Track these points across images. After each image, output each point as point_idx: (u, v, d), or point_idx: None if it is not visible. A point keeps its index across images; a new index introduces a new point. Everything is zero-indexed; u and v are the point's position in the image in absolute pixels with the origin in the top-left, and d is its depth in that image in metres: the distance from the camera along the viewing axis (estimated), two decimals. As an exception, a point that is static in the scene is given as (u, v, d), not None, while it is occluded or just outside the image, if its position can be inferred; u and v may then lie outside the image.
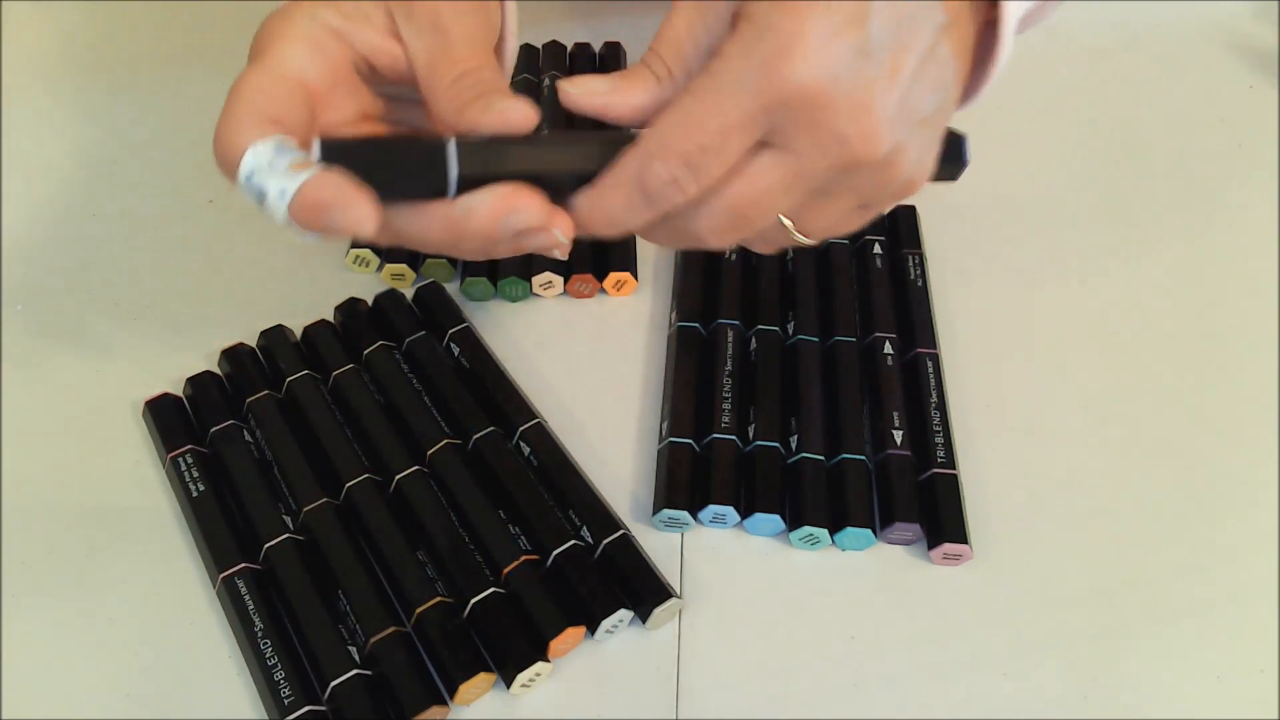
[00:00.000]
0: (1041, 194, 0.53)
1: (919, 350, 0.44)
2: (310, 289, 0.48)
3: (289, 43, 0.30)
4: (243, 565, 0.38)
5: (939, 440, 0.41)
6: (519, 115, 0.30)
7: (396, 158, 0.29)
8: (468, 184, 0.29)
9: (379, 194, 0.28)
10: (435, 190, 0.29)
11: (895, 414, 0.42)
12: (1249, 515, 0.41)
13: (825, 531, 0.39)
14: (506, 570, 0.37)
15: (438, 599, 0.37)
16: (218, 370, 0.45)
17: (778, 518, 0.39)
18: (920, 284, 0.47)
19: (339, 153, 0.28)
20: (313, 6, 0.31)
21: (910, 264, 0.47)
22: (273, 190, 0.27)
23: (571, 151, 0.31)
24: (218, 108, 0.58)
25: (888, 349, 0.44)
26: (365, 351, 0.44)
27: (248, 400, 0.43)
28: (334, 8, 0.31)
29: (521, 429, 0.42)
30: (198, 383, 0.44)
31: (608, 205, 0.30)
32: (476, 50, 0.32)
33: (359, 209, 0.27)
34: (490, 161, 0.30)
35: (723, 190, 0.30)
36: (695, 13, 0.31)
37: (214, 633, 0.38)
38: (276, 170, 0.27)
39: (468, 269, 0.48)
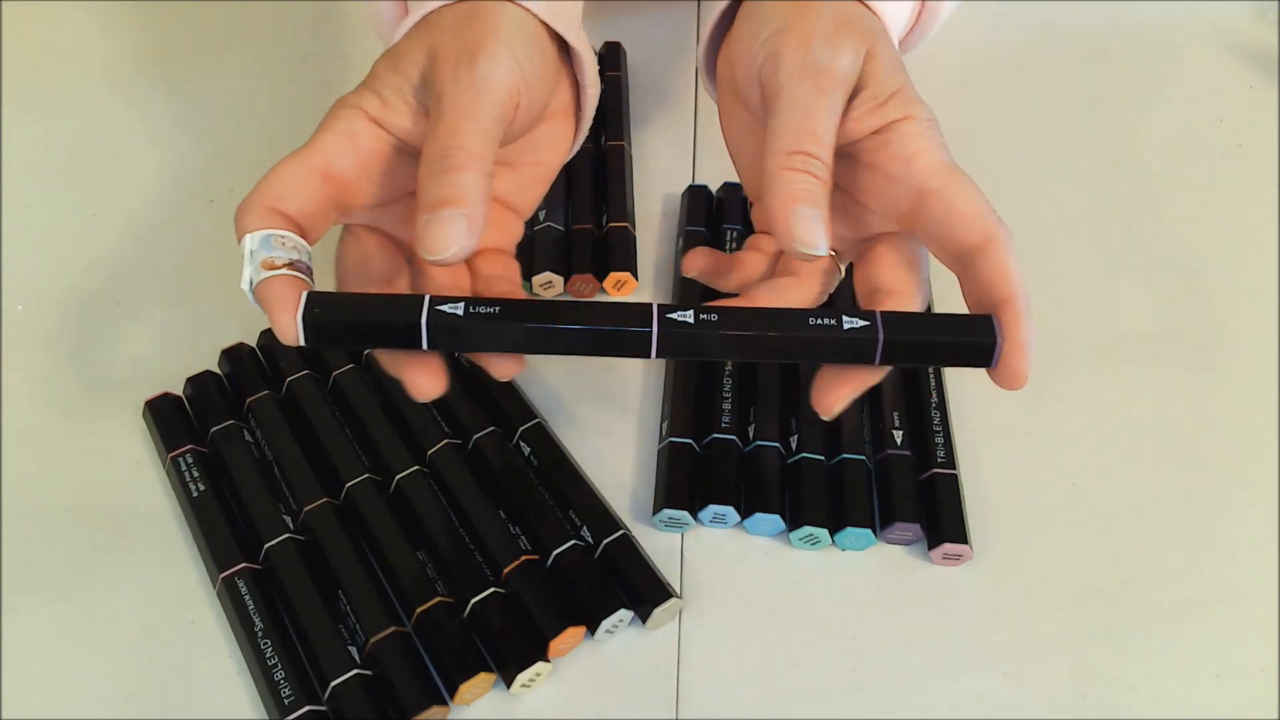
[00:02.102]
0: (1041, 194, 0.53)
1: (919, 350, 0.44)
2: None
3: (324, 135, 0.34)
4: (243, 565, 0.38)
5: (939, 440, 0.41)
6: (447, 239, 0.31)
7: (373, 319, 0.32)
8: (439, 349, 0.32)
9: (362, 344, 0.33)
10: (413, 347, 0.32)
11: (895, 414, 0.42)
12: (1249, 515, 0.41)
13: (825, 531, 0.39)
14: (506, 570, 0.37)
15: (438, 599, 0.37)
16: (218, 370, 0.45)
17: (778, 518, 0.39)
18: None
19: (322, 303, 0.32)
20: (360, 95, 0.35)
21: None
22: (245, 276, 0.32)
23: (547, 335, 0.32)
24: (218, 107, 0.59)
25: (888, 349, 0.44)
26: (365, 351, 0.44)
27: (248, 400, 0.43)
28: (376, 95, 0.35)
29: (521, 429, 0.42)
30: (198, 383, 0.44)
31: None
32: (466, 126, 0.33)
33: (280, 326, 0.32)
34: (462, 343, 0.32)
35: None
36: None
37: (214, 633, 0.38)
38: (254, 261, 0.32)
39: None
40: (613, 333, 0.32)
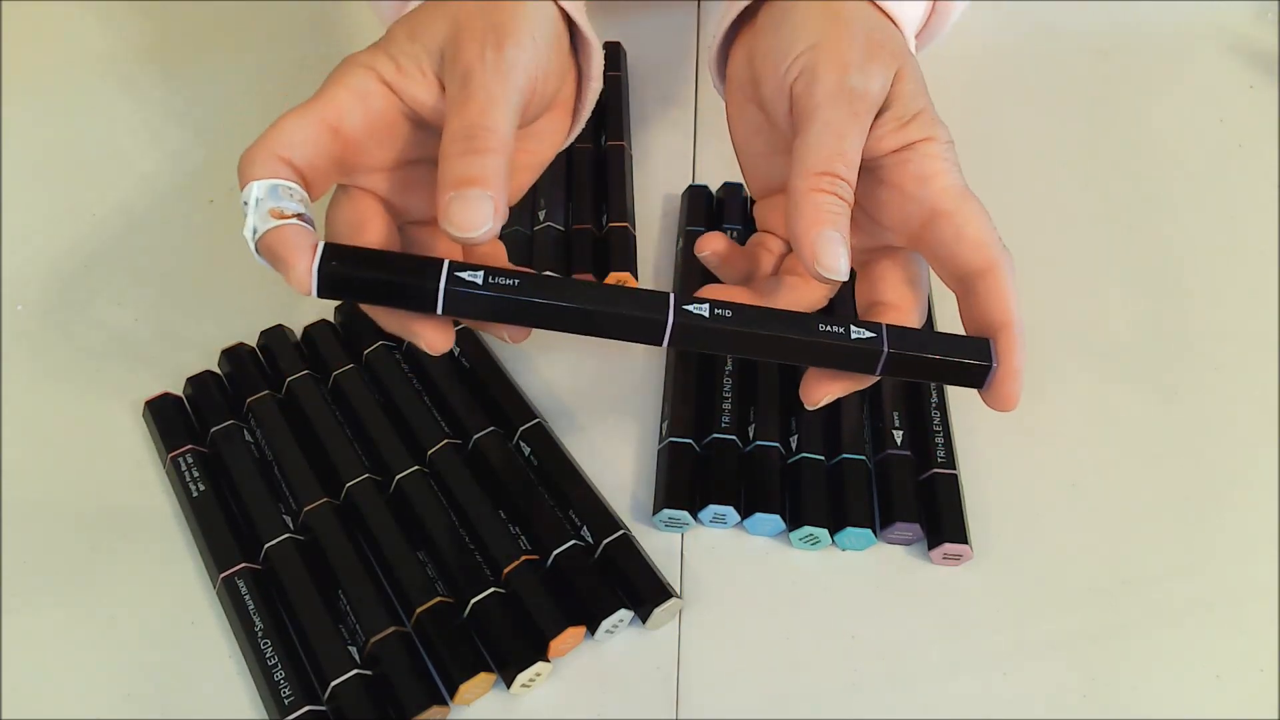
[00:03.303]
0: (1041, 194, 0.53)
1: (919, 350, 0.44)
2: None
3: (336, 90, 0.33)
4: (243, 565, 0.38)
5: (939, 440, 0.41)
6: (475, 219, 0.31)
7: (390, 278, 0.32)
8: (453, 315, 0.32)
9: (373, 300, 0.32)
10: (425, 310, 0.32)
11: (895, 414, 0.42)
12: (1249, 515, 0.41)
13: (825, 531, 0.39)
14: (506, 570, 0.37)
15: (438, 599, 0.37)
16: (218, 370, 0.45)
17: (778, 518, 0.39)
18: (920, 284, 0.47)
19: (339, 256, 0.31)
20: (374, 56, 0.34)
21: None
22: (249, 226, 0.31)
23: (563, 312, 0.32)
24: (219, 107, 0.59)
25: (888, 349, 0.44)
26: (365, 351, 0.44)
27: (248, 400, 0.43)
28: (392, 60, 0.34)
29: (521, 429, 0.42)
30: (198, 383, 0.44)
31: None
32: (494, 108, 0.32)
33: (294, 273, 0.31)
34: (476, 310, 0.32)
35: None
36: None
37: (214, 633, 0.38)
38: (260, 210, 0.31)
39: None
40: (628, 318, 0.32)
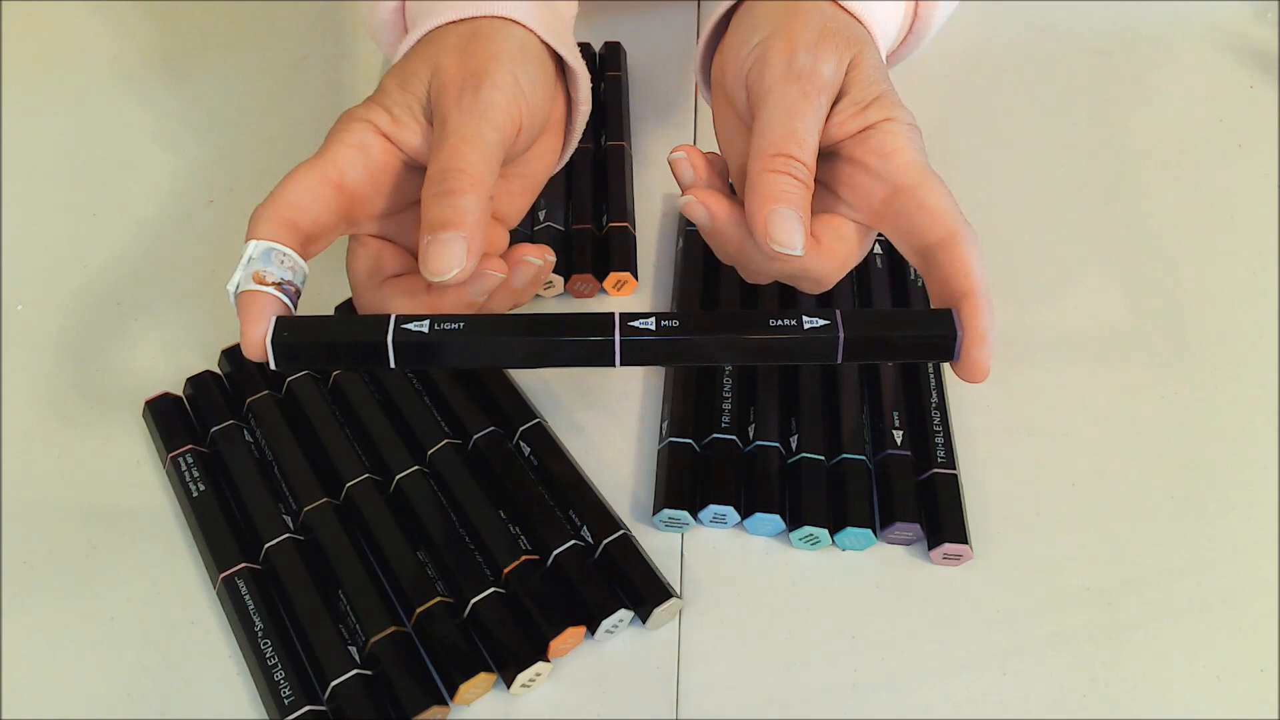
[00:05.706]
0: (1040, 194, 0.53)
1: (919, 350, 0.44)
2: (311, 288, 0.48)
3: (337, 147, 0.35)
4: (243, 565, 0.38)
5: (939, 440, 0.41)
6: (448, 263, 0.32)
7: (341, 341, 0.33)
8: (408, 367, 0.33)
9: (331, 364, 0.33)
10: (380, 365, 0.33)
11: (895, 414, 0.42)
12: (1249, 515, 0.41)
13: (825, 531, 0.39)
14: (506, 570, 0.37)
15: (438, 599, 0.37)
16: (218, 370, 0.45)
17: (778, 518, 0.39)
18: (920, 284, 0.47)
19: (290, 327, 0.33)
20: (370, 109, 0.35)
21: (910, 265, 0.47)
22: (234, 279, 0.33)
23: (512, 350, 0.33)
24: (218, 107, 0.59)
25: (888, 349, 0.44)
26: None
27: (248, 400, 0.43)
28: (386, 111, 0.35)
29: (521, 429, 0.42)
30: (198, 383, 0.44)
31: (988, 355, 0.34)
32: (467, 150, 0.34)
33: (248, 339, 0.32)
34: (428, 358, 0.33)
35: None
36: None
37: (214, 633, 0.38)
38: (248, 268, 0.33)
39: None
40: (575, 344, 0.33)
